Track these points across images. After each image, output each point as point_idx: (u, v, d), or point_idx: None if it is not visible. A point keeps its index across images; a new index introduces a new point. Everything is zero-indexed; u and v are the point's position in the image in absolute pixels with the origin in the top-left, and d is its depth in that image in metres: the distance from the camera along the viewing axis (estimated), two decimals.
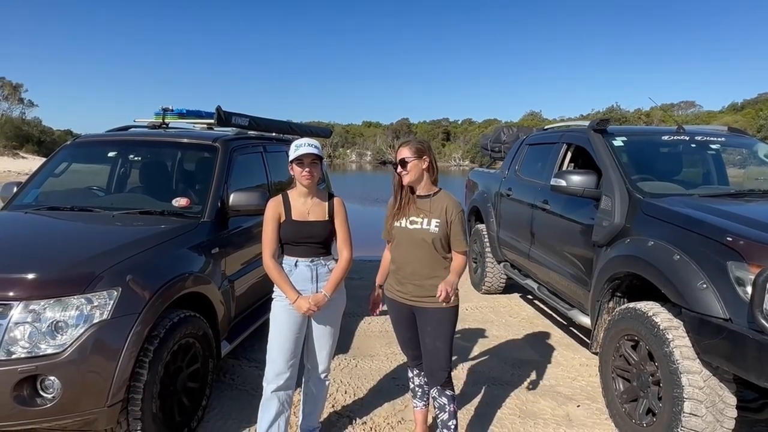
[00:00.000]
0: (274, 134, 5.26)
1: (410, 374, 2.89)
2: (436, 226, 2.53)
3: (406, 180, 2.56)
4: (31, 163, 33.33)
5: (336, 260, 2.72)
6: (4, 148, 41.30)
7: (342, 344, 4.38)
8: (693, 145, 4.15)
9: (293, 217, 2.62)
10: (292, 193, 2.68)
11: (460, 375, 3.90)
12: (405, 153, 2.56)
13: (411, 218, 2.59)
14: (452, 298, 2.46)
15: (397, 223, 2.62)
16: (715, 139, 4.19)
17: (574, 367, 4.11)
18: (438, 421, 2.71)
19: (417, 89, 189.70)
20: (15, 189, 3.83)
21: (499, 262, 5.80)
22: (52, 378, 2.25)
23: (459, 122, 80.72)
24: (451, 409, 2.66)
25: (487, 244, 5.91)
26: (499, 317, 5.35)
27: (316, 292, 2.62)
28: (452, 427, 2.67)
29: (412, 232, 2.57)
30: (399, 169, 2.55)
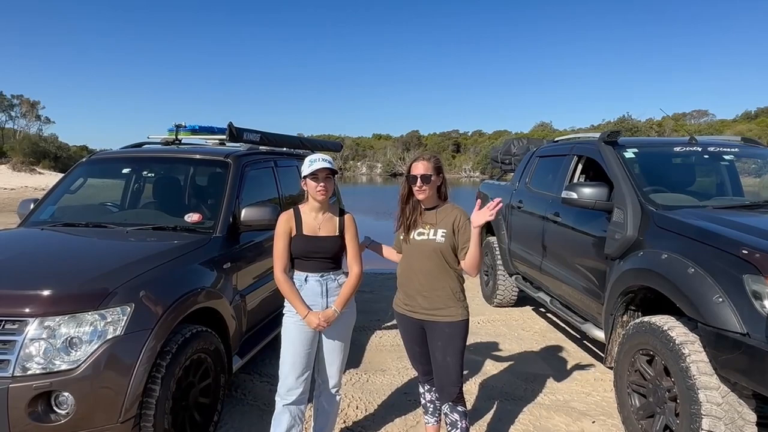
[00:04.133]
0: (285, 149, 5.31)
1: (421, 390, 2.87)
2: (442, 236, 2.55)
3: (423, 196, 2.56)
4: (48, 178, 33.89)
5: (346, 275, 2.72)
6: (21, 164, 42.05)
7: (353, 359, 4.37)
8: (706, 156, 4.11)
9: (304, 232, 2.64)
10: (303, 208, 2.70)
11: (471, 390, 3.85)
12: (427, 169, 2.55)
13: (418, 230, 2.61)
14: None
15: (405, 236, 2.64)
16: (729, 149, 4.14)
17: (588, 381, 4.05)
18: None
19: (427, 101, 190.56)
20: (32, 206, 3.90)
21: (510, 275, 5.76)
22: (66, 394, 2.27)
23: (469, 134, 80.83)
24: (463, 425, 2.63)
25: (499, 256, 5.89)
26: (511, 331, 5.30)
27: (326, 307, 2.62)
28: None
29: (420, 244, 2.59)
30: (419, 183, 2.54)
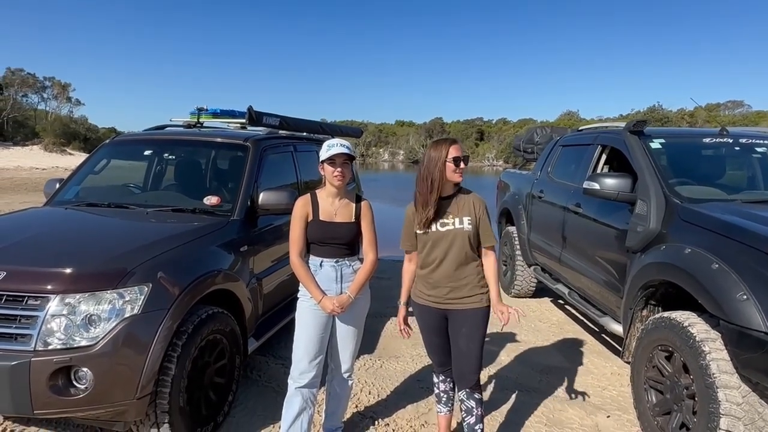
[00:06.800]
0: (304, 134, 5.31)
1: (435, 380, 2.86)
2: (469, 224, 2.52)
3: (461, 179, 2.53)
4: (78, 159, 34.69)
5: (362, 261, 2.72)
6: (53, 145, 43.23)
7: (368, 344, 4.40)
8: (737, 148, 3.96)
9: (320, 218, 2.63)
10: (320, 193, 2.69)
11: (487, 380, 3.84)
12: (462, 151, 2.52)
13: (441, 220, 2.54)
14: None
15: (428, 229, 2.54)
16: (762, 141, 3.98)
17: (605, 375, 3.99)
18: (464, 424, 2.67)
19: (451, 88, 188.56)
20: (57, 185, 4.00)
21: (529, 266, 5.70)
22: (85, 369, 2.33)
23: (493, 122, 79.83)
24: (479, 413, 2.64)
25: (518, 246, 5.82)
26: (528, 322, 5.25)
27: (341, 292, 2.63)
28: (479, 430, 2.64)
29: (446, 234, 2.53)
30: (462, 166, 2.50)
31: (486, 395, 3.58)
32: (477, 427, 2.64)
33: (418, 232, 2.59)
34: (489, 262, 2.59)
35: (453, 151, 2.49)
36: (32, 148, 42.03)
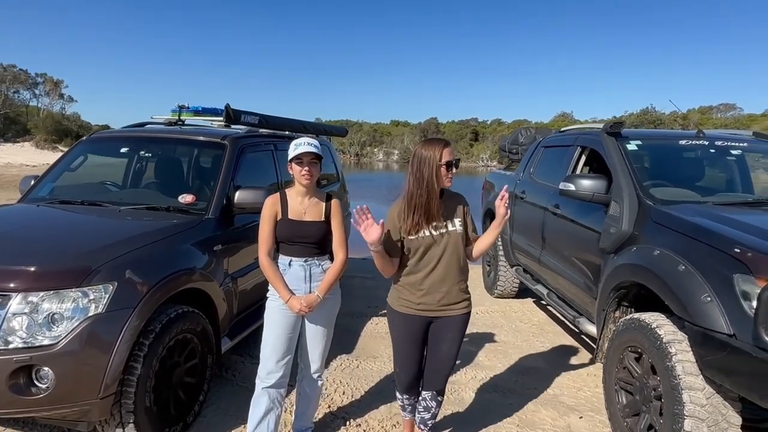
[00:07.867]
0: (287, 132, 5.29)
1: (399, 396, 2.77)
2: (459, 225, 2.49)
3: (450, 184, 2.45)
4: None
5: (332, 260, 2.70)
6: (44, 142, 42.96)
7: (347, 344, 4.39)
8: (712, 151, 3.98)
9: (289, 216, 2.61)
10: (290, 192, 2.67)
11: (462, 380, 3.84)
12: (453, 154, 2.43)
13: (433, 224, 2.42)
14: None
15: (419, 234, 2.41)
16: (737, 144, 4.00)
17: (581, 376, 4.00)
18: (417, 416, 2.74)
19: (446, 88, 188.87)
20: (32, 182, 3.95)
21: (512, 266, 5.70)
22: (46, 369, 2.30)
23: (488, 122, 80.00)
24: (436, 411, 2.73)
25: (501, 247, 5.82)
26: (509, 322, 5.26)
27: (310, 292, 2.61)
28: (430, 425, 2.73)
29: (439, 238, 2.43)
30: (453, 171, 2.41)
31: (461, 396, 3.59)
32: (430, 422, 2.72)
33: (409, 237, 2.42)
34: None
35: (446, 155, 2.37)
36: (23, 145, 41.79)
